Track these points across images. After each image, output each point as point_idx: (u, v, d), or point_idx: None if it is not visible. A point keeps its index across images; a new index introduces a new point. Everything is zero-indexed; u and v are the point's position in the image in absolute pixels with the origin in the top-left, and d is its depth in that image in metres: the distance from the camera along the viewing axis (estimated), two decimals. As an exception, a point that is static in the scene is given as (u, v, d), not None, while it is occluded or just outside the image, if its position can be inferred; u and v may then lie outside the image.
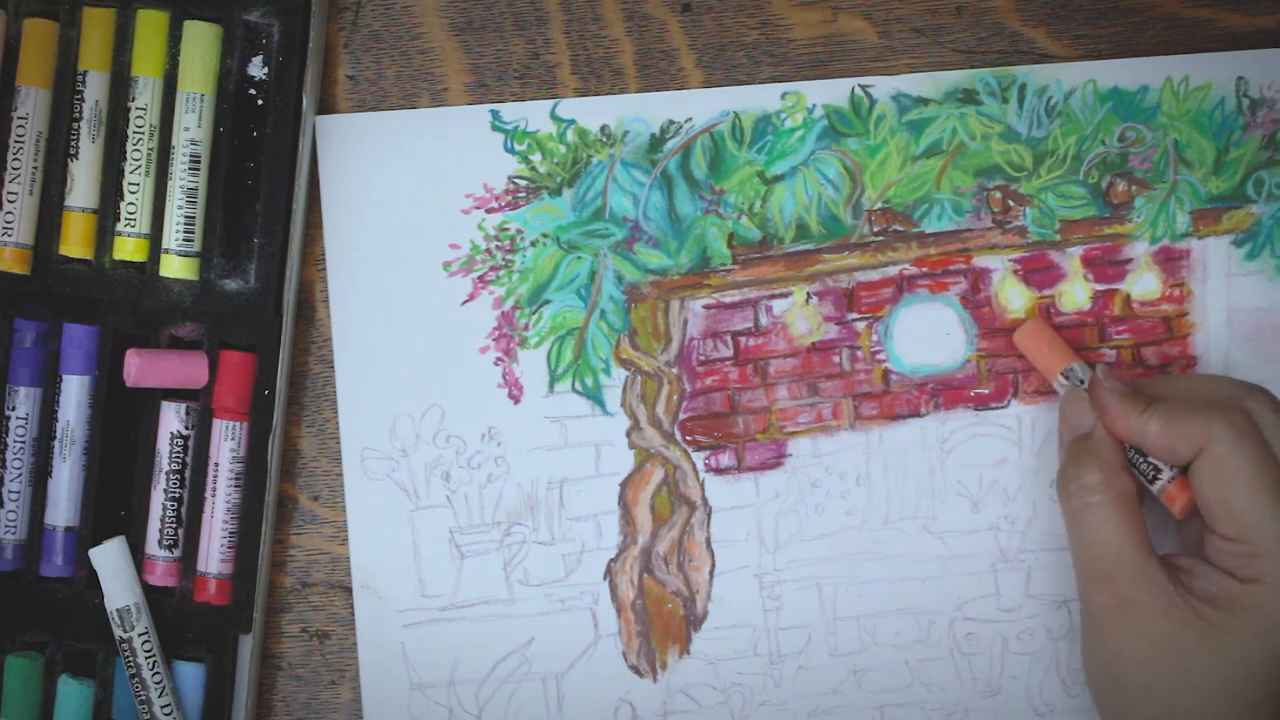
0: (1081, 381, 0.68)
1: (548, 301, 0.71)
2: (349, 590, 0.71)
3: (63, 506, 0.69)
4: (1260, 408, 0.64)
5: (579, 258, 0.71)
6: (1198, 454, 0.63)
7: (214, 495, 0.69)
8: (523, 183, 0.70)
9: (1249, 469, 0.62)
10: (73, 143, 0.68)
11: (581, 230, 0.71)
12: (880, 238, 0.71)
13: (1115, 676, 0.64)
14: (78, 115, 0.68)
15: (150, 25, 0.68)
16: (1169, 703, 0.62)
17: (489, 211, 0.71)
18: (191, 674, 0.69)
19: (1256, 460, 0.62)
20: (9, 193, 0.68)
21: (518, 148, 0.70)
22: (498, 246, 0.70)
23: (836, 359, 0.71)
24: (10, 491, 0.69)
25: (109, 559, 0.68)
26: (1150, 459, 0.65)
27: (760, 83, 0.71)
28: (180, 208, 0.68)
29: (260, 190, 0.68)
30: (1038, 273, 0.71)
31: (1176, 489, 0.65)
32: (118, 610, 0.68)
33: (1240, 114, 0.71)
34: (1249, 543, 0.61)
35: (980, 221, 0.71)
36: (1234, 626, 0.61)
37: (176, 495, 0.69)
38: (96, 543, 0.68)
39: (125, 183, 0.68)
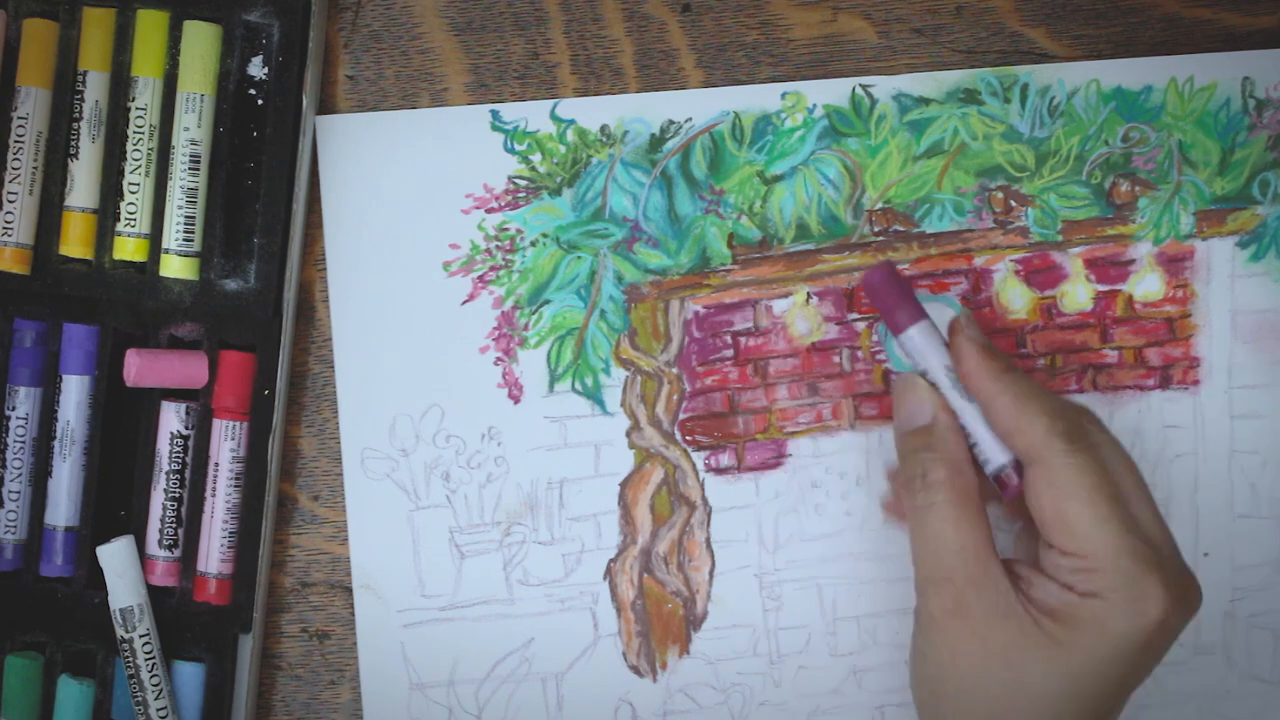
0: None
1: (548, 301, 0.71)
2: (349, 590, 0.71)
3: (63, 506, 0.69)
4: (1094, 428, 0.63)
5: (579, 258, 0.71)
6: (1032, 461, 0.62)
7: (214, 495, 0.69)
8: (523, 183, 0.70)
9: (1086, 482, 0.60)
10: (73, 143, 0.68)
11: (581, 230, 0.70)
12: (881, 238, 0.71)
13: (945, 681, 0.62)
14: (78, 115, 0.68)
15: (150, 25, 0.68)
16: (995, 711, 0.61)
17: (489, 211, 0.70)
18: (191, 674, 0.69)
19: (1093, 473, 0.60)
20: (9, 193, 0.68)
21: (517, 148, 0.70)
22: (498, 246, 0.70)
23: (836, 359, 0.71)
24: (10, 491, 0.69)
25: (116, 558, 0.68)
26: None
27: (760, 83, 0.71)
28: (180, 208, 0.68)
29: (260, 190, 0.68)
30: (1039, 273, 0.71)
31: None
32: (121, 610, 0.68)
33: (1246, 114, 0.71)
34: (1086, 557, 0.60)
35: (982, 222, 0.71)
36: (1071, 640, 0.60)
37: (176, 495, 0.69)
38: (96, 542, 0.68)
39: (125, 183, 0.68)
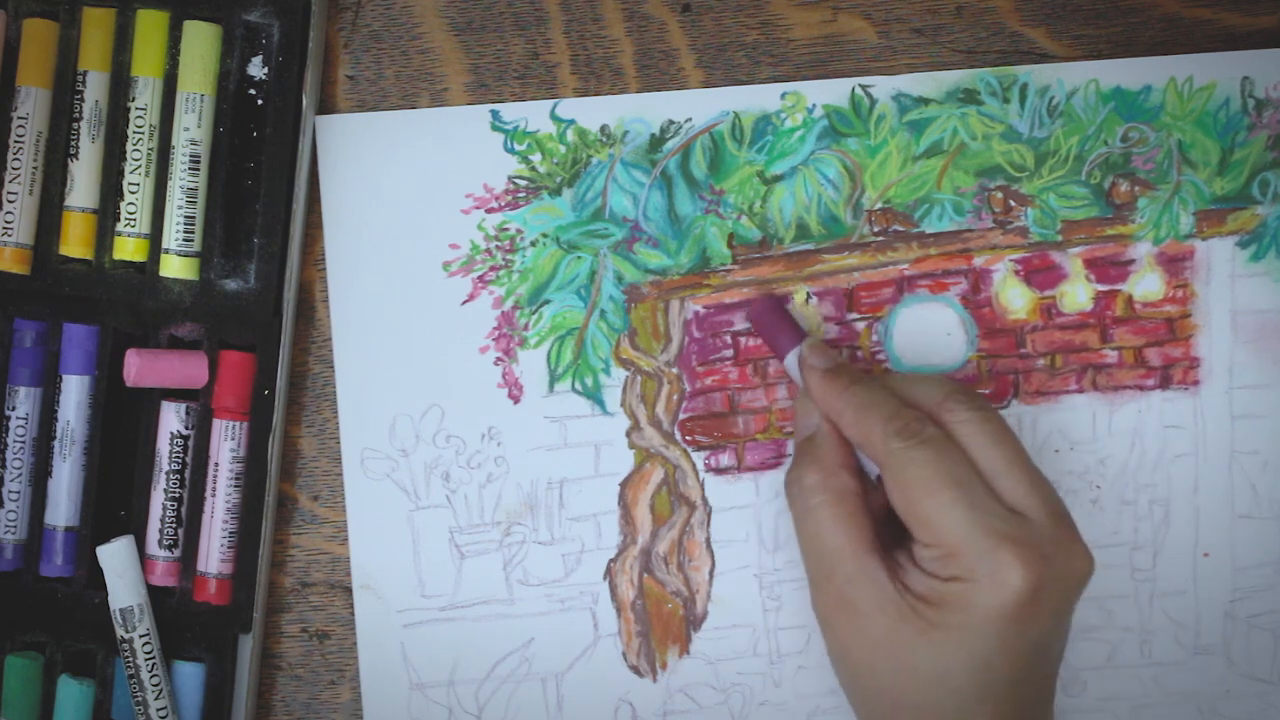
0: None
1: (547, 301, 0.71)
2: (349, 590, 0.71)
3: (63, 506, 0.69)
4: (959, 407, 0.64)
5: (579, 258, 0.71)
6: (880, 466, 0.63)
7: (214, 495, 0.69)
8: (523, 183, 0.70)
9: (924, 474, 0.62)
10: (73, 143, 0.68)
11: (581, 230, 0.71)
12: (880, 238, 0.71)
13: (848, 673, 0.64)
14: (78, 115, 0.68)
15: (150, 25, 0.68)
16: (895, 698, 0.63)
17: (489, 211, 0.70)
18: (191, 674, 0.69)
19: (929, 464, 0.62)
20: (9, 193, 0.68)
21: (517, 148, 0.70)
22: (497, 246, 0.70)
23: (836, 359, 0.71)
24: (10, 491, 0.69)
25: (116, 558, 0.68)
26: None
27: (760, 83, 0.71)
28: (180, 208, 0.68)
29: (260, 190, 0.68)
30: (1039, 273, 0.71)
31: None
32: (121, 610, 0.68)
33: (1245, 114, 0.71)
34: (940, 545, 0.62)
35: (981, 222, 0.71)
36: (945, 621, 0.61)
37: (176, 495, 0.69)
38: (96, 542, 0.68)
39: (125, 183, 0.68)
